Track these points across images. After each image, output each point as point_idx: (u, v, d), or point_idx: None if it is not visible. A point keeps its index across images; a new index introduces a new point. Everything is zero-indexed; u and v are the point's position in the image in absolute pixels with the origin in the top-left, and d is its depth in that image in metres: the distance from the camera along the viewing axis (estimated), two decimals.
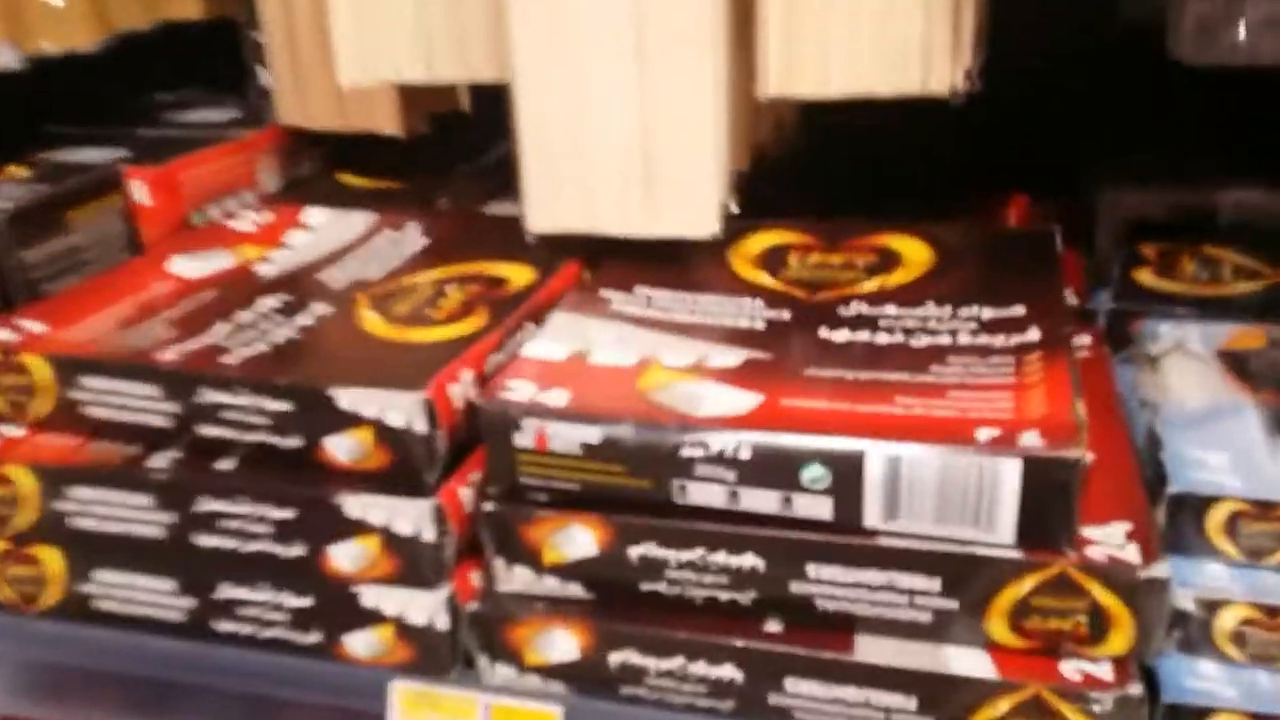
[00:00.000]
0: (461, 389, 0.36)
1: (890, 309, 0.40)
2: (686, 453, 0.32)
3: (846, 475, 0.31)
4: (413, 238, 0.49)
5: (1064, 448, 0.30)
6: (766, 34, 0.40)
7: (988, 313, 0.38)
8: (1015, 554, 0.31)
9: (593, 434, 0.33)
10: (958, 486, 0.31)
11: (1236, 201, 0.61)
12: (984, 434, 0.31)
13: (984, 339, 0.37)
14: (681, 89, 0.41)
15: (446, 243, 0.48)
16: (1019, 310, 0.38)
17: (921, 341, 0.37)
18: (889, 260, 0.44)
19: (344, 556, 0.36)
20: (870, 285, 0.42)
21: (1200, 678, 0.32)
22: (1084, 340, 0.43)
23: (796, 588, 0.32)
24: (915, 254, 0.44)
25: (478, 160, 0.62)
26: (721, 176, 0.43)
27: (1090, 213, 0.63)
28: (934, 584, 0.31)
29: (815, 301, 0.41)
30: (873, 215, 0.65)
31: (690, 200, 0.43)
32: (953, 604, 0.31)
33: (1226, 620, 0.32)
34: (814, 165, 0.66)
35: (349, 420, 0.35)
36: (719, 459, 0.32)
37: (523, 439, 0.33)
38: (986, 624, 0.31)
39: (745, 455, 0.32)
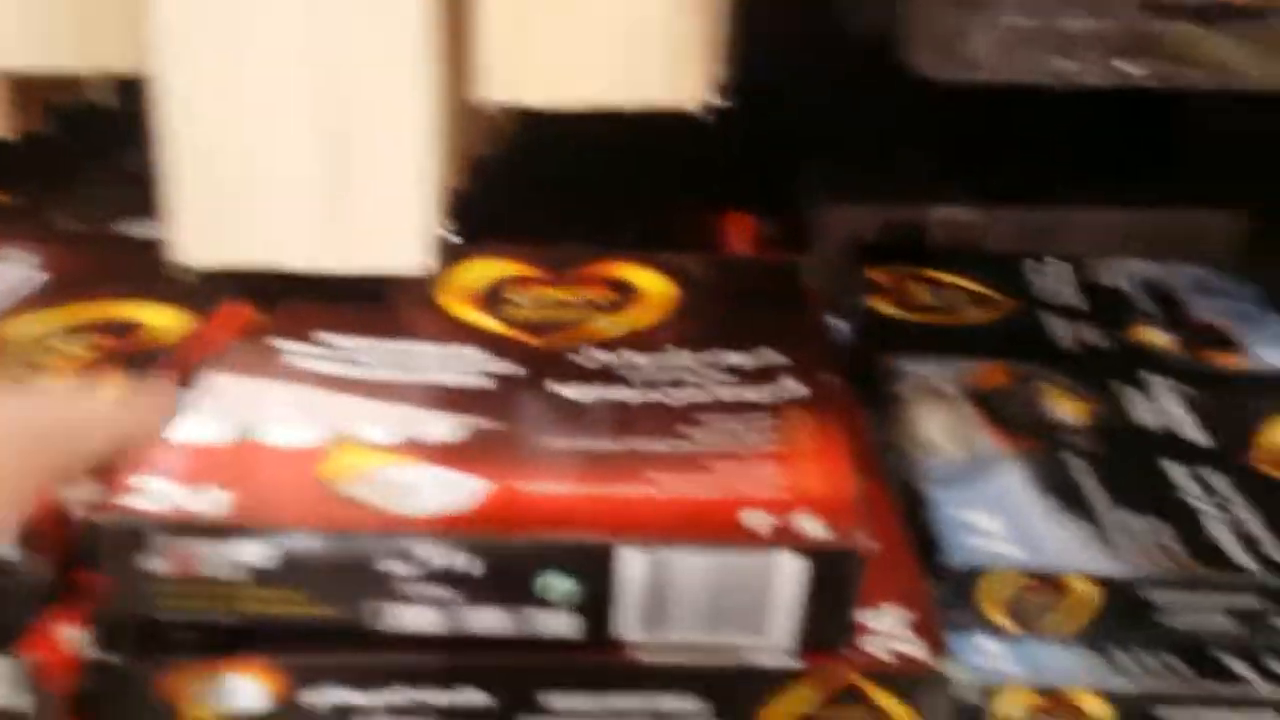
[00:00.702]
0: (77, 490, 0.27)
1: (634, 357, 0.34)
2: (392, 568, 0.25)
3: (598, 585, 0.26)
4: (20, 270, 0.38)
5: (846, 537, 0.26)
6: (487, 22, 0.32)
7: (740, 359, 0.34)
8: (796, 664, 0.26)
9: (260, 553, 0.25)
10: (730, 588, 0.26)
11: (946, 218, 0.61)
12: (755, 520, 0.26)
13: (740, 392, 0.32)
14: (378, 73, 0.33)
15: (67, 276, 0.38)
16: (774, 356, 0.34)
17: (672, 398, 0.32)
18: (627, 295, 0.39)
19: None
20: (608, 327, 0.36)
21: None
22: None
23: None
24: (655, 288, 0.39)
25: (113, 163, 0.50)
26: (432, 192, 0.35)
27: (809, 229, 0.61)
28: (700, 706, 0.26)
29: (548, 349, 0.35)
30: (588, 235, 0.59)
31: (393, 224, 0.34)
32: None
33: (1008, 708, 0.28)
34: (518, 174, 0.59)
35: None
36: (436, 575, 0.25)
37: (158, 562, 0.24)
38: None
39: (472, 568, 0.25)
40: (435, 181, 0.35)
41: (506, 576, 0.25)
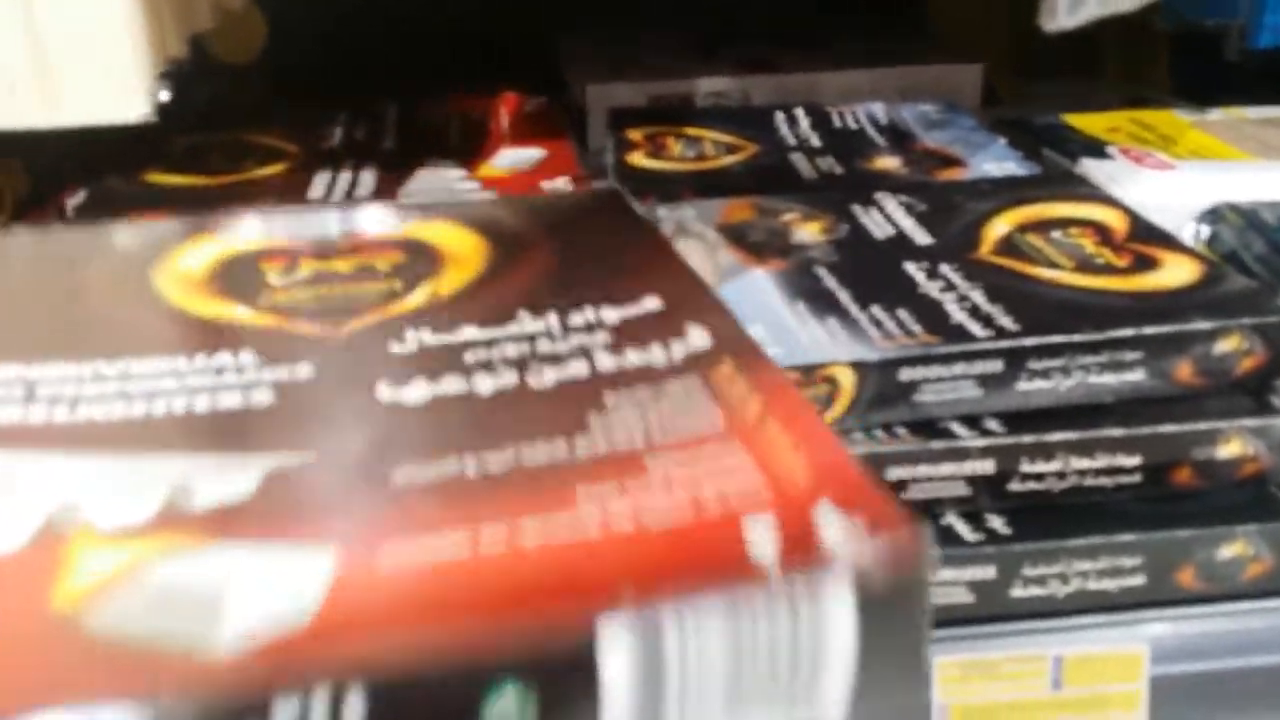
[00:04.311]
0: None
1: (471, 331, 0.25)
2: None
3: (569, 687, 0.16)
4: None
5: (894, 527, 0.18)
6: None
7: (611, 313, 0.26)
8: None
9: None
10: (758, 646, 0.17)
11: (708, 89, 0.62)
12: (762, 533, 0.18)
13: (634, 356, 0.24)
14: None
15: None
16: (654, 303, 0.27)
17: (547, 377, 0.24)
18: (425, 257, 0.30)
19: None
20: (419, 298, 0.27)
21: None
22: None
23: None
24: (455, 243, 0.31)
25: None
26: (142, 43, 0.32)
27: (579, 108, 0.61)
28: None
29: (345, 336, 0.25)
30: (350, 128, 0.57)
31: (100, 70, 0.31)
32: None
33: None
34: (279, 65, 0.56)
35: None
36: None
37: None
38: None
39: (357, 712, 0.16)
40: (144, 32, 0.32)
41: (434, 709, 0.16)
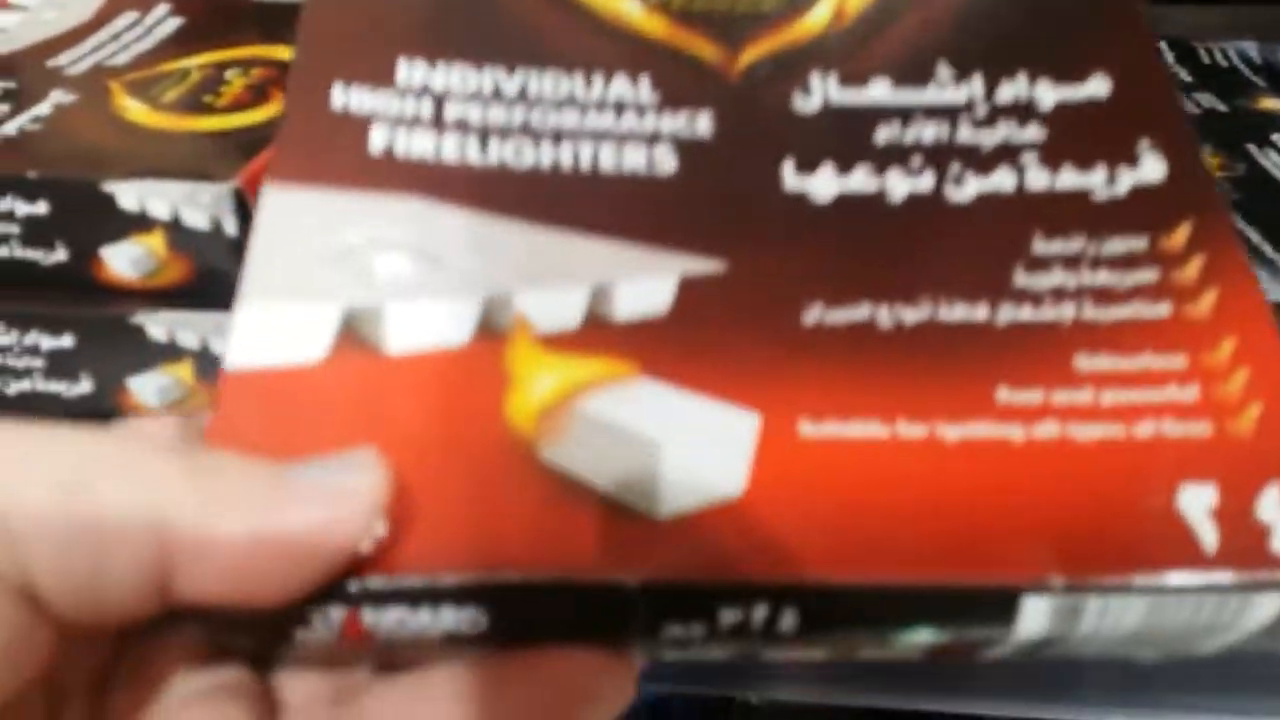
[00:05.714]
0: None
1: (882, 89, 0.21)
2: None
3: (980, 630, 0.17)
4: (163, 19, 0.39)
5: None
6: None
7: (1047, 92, 0.21)
8: None
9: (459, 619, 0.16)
10: (1174, 620, 0.17)
11: None
12: (1196, 512, 0.16)
13: (1070, 176, 0.20)
14: None
15: (205, 24, 0.39)
16: (1101, 86, 0.21)
17: (967, 189, 0.20)
18: None
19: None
20: (822, 13, 0.22)
21: None
22: None
23: None
24: None
25: None
26: None
27: None
28: None
29: (741, 72, 0.22)
30: None
31: None
32: None
33: None
34: None
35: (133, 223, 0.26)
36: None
37: (318, 629, 0.16)
38: None
39: (790, 623, 0.16)
40: None
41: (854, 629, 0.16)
